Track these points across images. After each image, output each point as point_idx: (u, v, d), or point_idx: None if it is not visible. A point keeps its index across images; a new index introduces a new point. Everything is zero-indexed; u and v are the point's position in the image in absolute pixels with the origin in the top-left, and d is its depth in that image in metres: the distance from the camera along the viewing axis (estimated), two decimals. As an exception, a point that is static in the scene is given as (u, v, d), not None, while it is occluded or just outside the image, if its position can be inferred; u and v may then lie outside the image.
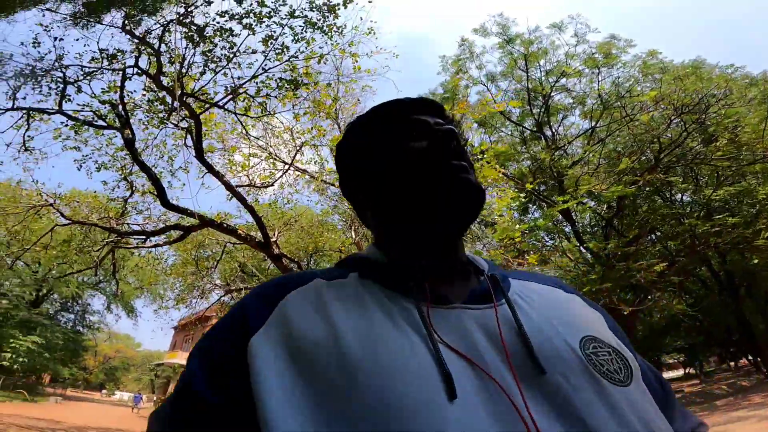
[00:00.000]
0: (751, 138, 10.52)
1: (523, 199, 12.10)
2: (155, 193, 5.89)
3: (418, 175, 0.54)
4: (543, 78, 12.45)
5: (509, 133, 13.70)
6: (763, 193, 10.61)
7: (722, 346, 16.54)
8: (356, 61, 7.60)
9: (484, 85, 13.26)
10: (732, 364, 22.06)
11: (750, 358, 15.04)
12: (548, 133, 12.74)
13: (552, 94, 12.48)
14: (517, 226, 8.77)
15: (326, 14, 6.17)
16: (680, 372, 33.74)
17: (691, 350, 20.27)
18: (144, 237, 7.42)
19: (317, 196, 9.47)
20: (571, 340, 0.47)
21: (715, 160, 10.52)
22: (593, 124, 11.99)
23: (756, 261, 11.09)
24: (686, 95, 10.12)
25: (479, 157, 7.29)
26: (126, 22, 5.42)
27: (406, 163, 0.55)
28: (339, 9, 6.15)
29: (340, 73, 8.13)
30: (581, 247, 11.40)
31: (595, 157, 11.98)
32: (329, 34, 6.39)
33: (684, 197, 12.79)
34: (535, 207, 13.03)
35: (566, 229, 12.38)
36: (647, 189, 11.77)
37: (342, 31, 6.62)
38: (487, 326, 0.47)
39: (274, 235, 8.84)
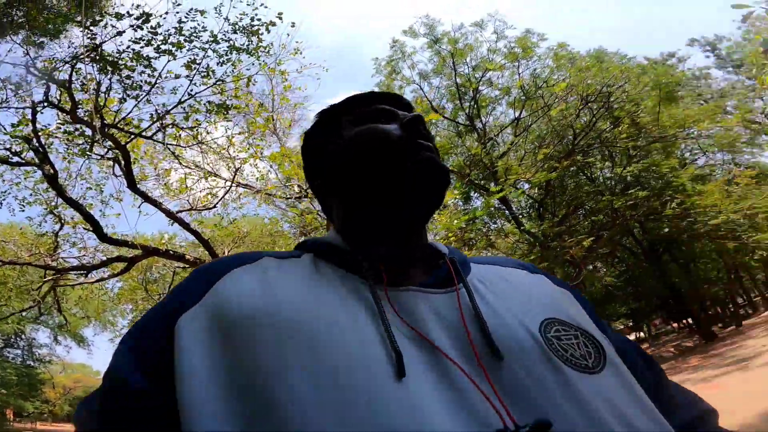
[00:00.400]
0: (647, 120, 11.89)
1: (464, 189, 12.85)
2: (90, 228, 5.81)
3: (386, 157, 0.52)
4: (470, 73, 13.18)
5: (445, 128, 14.37)
6: (667, 167, 11.98)
7: (660, 309, 17.92)
8: (285, 80, 7.86)
9: (417, 84, 13.82)
10: (675, 324, 23.59)
11: (683, 319, 16.53)
12: (479, 125, 13.52)
13: (480, 88, 13.23)
14: (459, 217, 9.44)
15: (250, 37, 6.30)
16: (631, 337, 36.32)
17: (634, 315, 21.66)
18: (85, 272, 7.26)
19: (265, 208, 9.60)
20: (530, 323, 0.45)
21: (621, 141, 11.77)
22: (517, 114, 12.88)
23: (666, 229, 12.42)
24: (590, 85, 11.17)
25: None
26: (26, 49, 5.27)
27: (372, 145, 0.53)
28: (262, 33, 6.28)
29: (272, 91, 8.37)
30: (520, 229, 12.23)
31: (523, 146, 12.93)
32: (255, 54, 6.53)
33: (605, 174, 14.01)
34: (476, 195, 13.78)
35: (507, 213, 13.19)
36: (572, 169, 12.84)
37: (269, 50, 6.78)
38: (444, 310, 0.45)
39: (224, 252, 8.87)
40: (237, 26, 6.16)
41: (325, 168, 0.60)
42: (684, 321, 16.29)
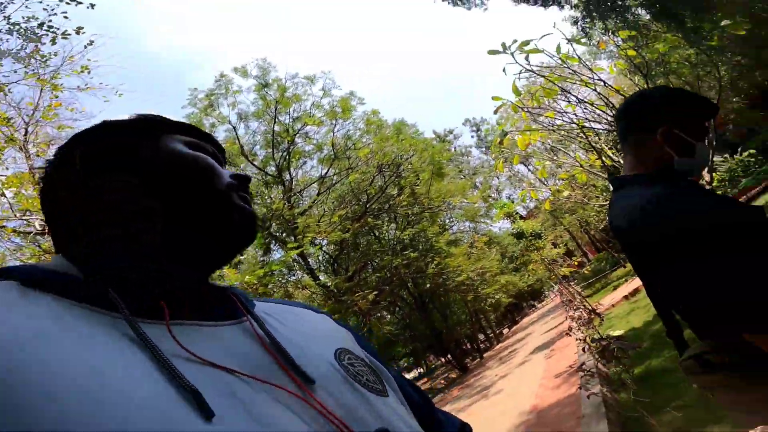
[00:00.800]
0: (422, 191, 14.74)
1: (264, 241, 12.91)
2: None
3: (217, 196, 0.50)
4: (291, 124, 13.61)
5: (252, 174, 14.41)
6: (432, 233, 15.02)
7: (430, 348, 21.07)
8: (56, 96, 7.00)
9: (233, 125, 13.49)
10: (443, 360, 27.66)
11: (446, 356, 19.85)
12: (287, 177, 14.00)
13: (296, 140, 13.75)
14: (255, 270, 9.44)
15: (27, 42, 5.55)
16: (413, 372, 41.47)
17: (413, 354, 24.79)
18: None
19: None
20: (324, 352, 0.47)
21: (402, 208, 14.21)
22: (324, 171, 13.93)
23: (428, 285, 15.31)
24: (386, 154, 13.06)
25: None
26: None
27: (207, 175, 0.50)
28: (44, 43, 5.84)
29: (33, 104, 7.14)
30: (316, 282, 12.95)
31: (325, 203, 14.07)
32: (25, 62, 5.90)
33: (390, 235, 16.40)
34: (276, 247, 13.97)
35: (305, 266, 13.79)
36: (365, 229, 14.56)
37: (47, 61, 6.18)
38: (237, 340, 0.42)
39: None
40: (16, 26, 5.37)
41: (141, 169, 0.49)
42: (447, 357, 19.50)
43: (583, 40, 6.36)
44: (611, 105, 7.22)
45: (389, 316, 20.36)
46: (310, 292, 13.11)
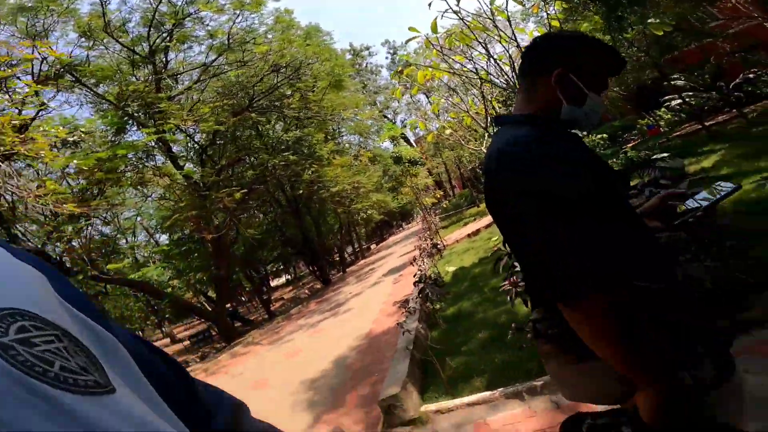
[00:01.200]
0: (315, 98, 14.11)
1: (119, 120, 11.05)
2: None
3: None
4: (181, 6, 11.43)
5: (116, 51, 11.68)
6: (316, 140, 14.79)
7: (300, 254, 21.40)
8: None
9: None
10: (312, 268, 28.67)
11: (315, 265, 20.46)
12: (161, 60, 11.98)
13: (185, 22, 11.72)
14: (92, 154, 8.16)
15: None
16: (281, 279, 42.03)
17: (282, 259, 25.10)
18: None
19: None
20: None
21: (290, 109, 13.50)
22: (212, 59, 12.23)
23: (300, 191, 15.37)
24: (285, 55, 12.02)
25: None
26: None
27: None
28: None
29: None
30: (178, 171, 11.78)
31: (207, 92, 12.48)
32: None
33: (274, 134, 15.53)
34: (135, 129, 12.13)
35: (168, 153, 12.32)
36: (249, 123, 13.43)
37: None
38: None
39: None
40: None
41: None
42: (314, 267, 20.30)
43: None
44: (514, 67, 7.50)
45: (261, 216, 20.06)
46: (170, 181, 11.98)
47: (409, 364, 3.44)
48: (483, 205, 19.93)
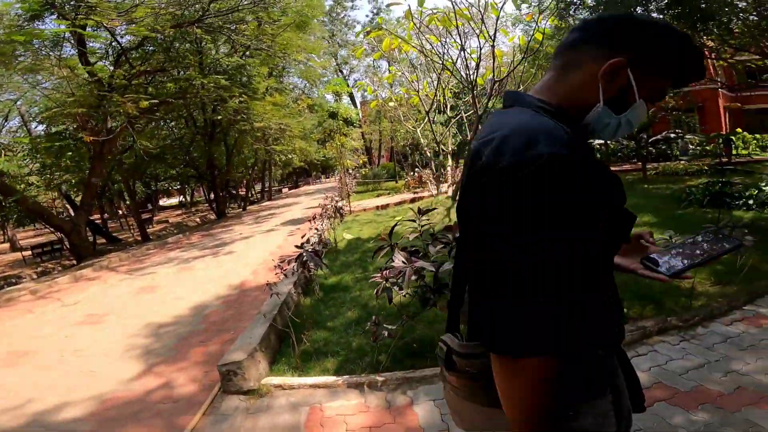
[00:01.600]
0: (272, 31, 12.80)
1: (37, 6, 9.08)
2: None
3: None
4: None
5: None
6: (256, 71, 13.54)
7: (202, 179, 19.78)
8: None
9: None
10: (209, 196, 26.83)
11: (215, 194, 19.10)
12: None
13: None
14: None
15: None
16: (173, 200, 38.61)
17: (181, 179, 23.02)
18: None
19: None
20: None
21: (238, 37, 12.04)
22: None
23: (220, 117, 14.10)
24: None
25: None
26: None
27: None
28: None
29: None
30: (83, 65, 10.02)
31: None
32: None
33: (214, 55, 13.76)
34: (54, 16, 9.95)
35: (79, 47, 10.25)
36: (192, 37, 11.73)
37: None
38: None
39: None
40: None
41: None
42: (211, 196, 18.97)
43: (520, 3, 6.14)
44: (478, 66, 7.38)
45: (169, 131, 18.07)
46: (70, 73, 10.08)
47: (267, 330, 3.30)
48: (401, 182, 20.36)
